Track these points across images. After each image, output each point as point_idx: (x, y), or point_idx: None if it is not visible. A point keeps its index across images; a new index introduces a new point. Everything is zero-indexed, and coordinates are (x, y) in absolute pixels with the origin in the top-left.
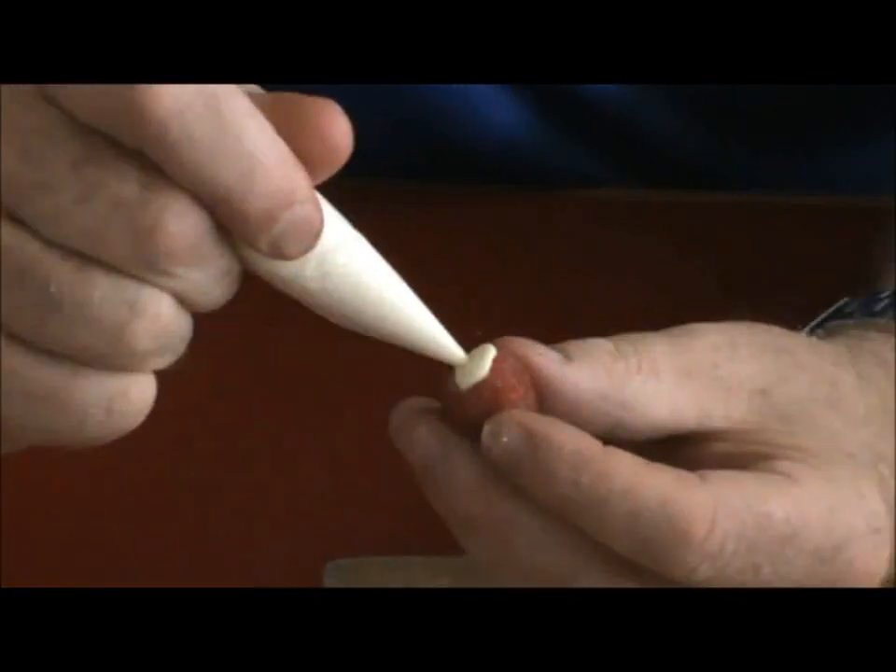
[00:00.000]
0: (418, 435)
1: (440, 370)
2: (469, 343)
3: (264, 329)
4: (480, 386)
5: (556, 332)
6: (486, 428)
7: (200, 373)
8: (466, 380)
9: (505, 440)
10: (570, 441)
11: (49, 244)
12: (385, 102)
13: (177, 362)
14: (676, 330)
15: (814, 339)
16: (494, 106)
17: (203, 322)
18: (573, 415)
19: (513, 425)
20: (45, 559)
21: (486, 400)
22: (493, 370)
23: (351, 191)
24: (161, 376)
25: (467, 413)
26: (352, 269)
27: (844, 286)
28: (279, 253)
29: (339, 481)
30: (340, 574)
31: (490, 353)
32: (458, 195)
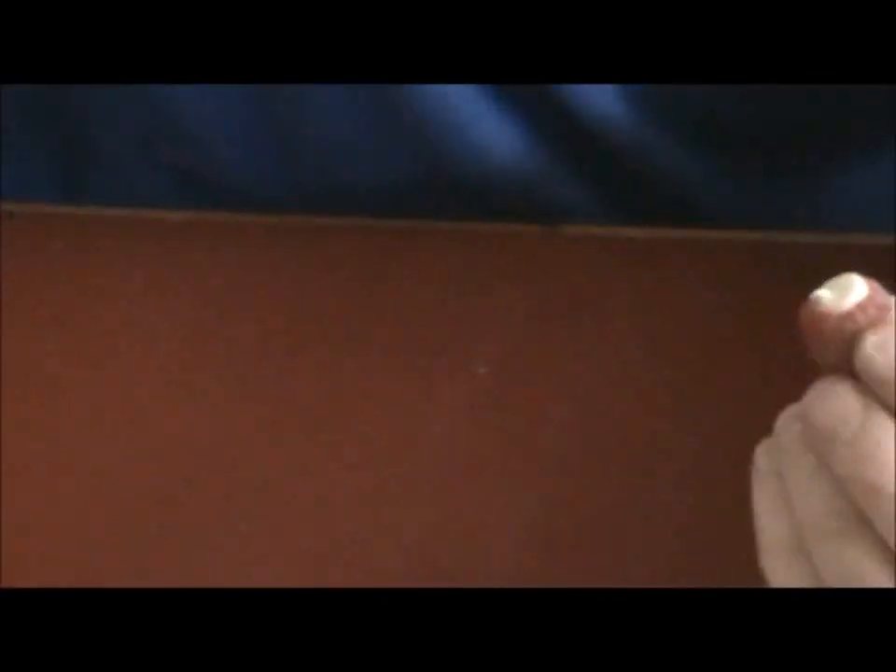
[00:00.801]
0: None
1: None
2: (472, 381)
3: (288, 351)
4: (863, 304)
5: (561, 367)
6: (871, 339)
7: (210, 380)
8: (841, 300)
9: (891, 355)
10: None
11: None
12: (378, 137)
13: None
14: None
15: None
16: (491, 137)
17: (226, 342)
18: None
19: None
20: (45, 559)
21: (866, 319)
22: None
23: (345, 230)
24: (168, 376)
25: (842, 333)
26: None
27: None
28: None
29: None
30: None
31: (856, 277)
32: (455, 232)
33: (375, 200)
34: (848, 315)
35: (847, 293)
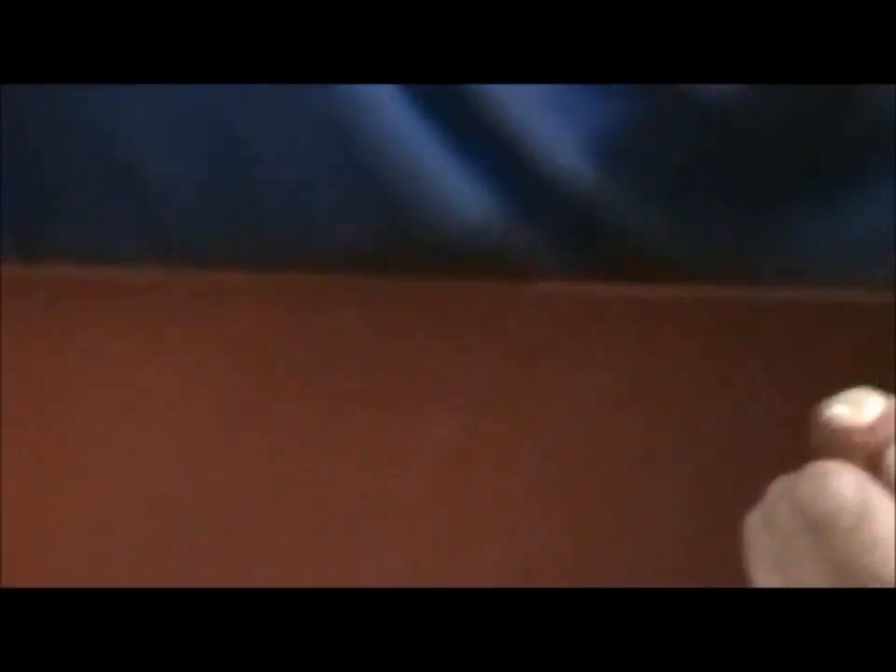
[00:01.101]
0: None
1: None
2: (432, 442)
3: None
4: (883, 417)
5: (530, 422)
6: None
7: (187, 424)
8: (859, 415)
9: None
10: None
11: None
12: (340, 194)
13: None
14: None
15: None
16: (454, 192)
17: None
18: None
19: None
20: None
21: (887, 431)
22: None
23: (305, 287)
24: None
25: (865, 447)
26: None
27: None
28: None
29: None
30: None
31: (868, 392)
32: (421, 289)
33: (341, 257)
34: (871, 430)
35: (863, 407)
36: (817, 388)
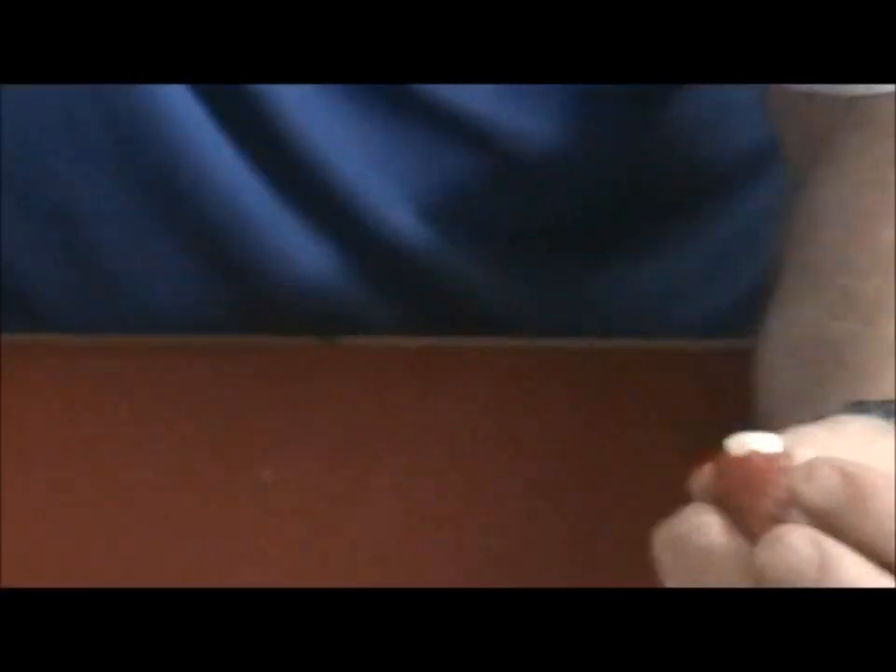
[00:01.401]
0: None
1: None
2: (257, 487)
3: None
4: (769, 457)
5: (350, 476)
6: (799, 473)
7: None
8: (766, 443)
9: (821, 481)
10: (886, 480)
11: None
12: (190, 254)
13: None
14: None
15: None
16: (289, 251)
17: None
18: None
19: (826, 467)
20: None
21: (760, 473)
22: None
23: (143, 348)
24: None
25: (783, 472)
26: None
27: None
28: None
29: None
30: None
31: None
32: (257, 348)
33: (175, 317)
34: (787, 457)
35: (768, 441)
36: (639, 430)
